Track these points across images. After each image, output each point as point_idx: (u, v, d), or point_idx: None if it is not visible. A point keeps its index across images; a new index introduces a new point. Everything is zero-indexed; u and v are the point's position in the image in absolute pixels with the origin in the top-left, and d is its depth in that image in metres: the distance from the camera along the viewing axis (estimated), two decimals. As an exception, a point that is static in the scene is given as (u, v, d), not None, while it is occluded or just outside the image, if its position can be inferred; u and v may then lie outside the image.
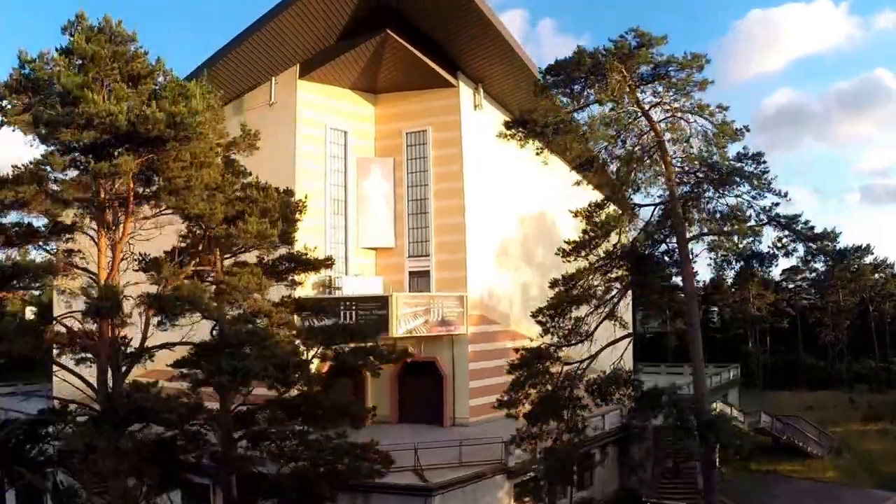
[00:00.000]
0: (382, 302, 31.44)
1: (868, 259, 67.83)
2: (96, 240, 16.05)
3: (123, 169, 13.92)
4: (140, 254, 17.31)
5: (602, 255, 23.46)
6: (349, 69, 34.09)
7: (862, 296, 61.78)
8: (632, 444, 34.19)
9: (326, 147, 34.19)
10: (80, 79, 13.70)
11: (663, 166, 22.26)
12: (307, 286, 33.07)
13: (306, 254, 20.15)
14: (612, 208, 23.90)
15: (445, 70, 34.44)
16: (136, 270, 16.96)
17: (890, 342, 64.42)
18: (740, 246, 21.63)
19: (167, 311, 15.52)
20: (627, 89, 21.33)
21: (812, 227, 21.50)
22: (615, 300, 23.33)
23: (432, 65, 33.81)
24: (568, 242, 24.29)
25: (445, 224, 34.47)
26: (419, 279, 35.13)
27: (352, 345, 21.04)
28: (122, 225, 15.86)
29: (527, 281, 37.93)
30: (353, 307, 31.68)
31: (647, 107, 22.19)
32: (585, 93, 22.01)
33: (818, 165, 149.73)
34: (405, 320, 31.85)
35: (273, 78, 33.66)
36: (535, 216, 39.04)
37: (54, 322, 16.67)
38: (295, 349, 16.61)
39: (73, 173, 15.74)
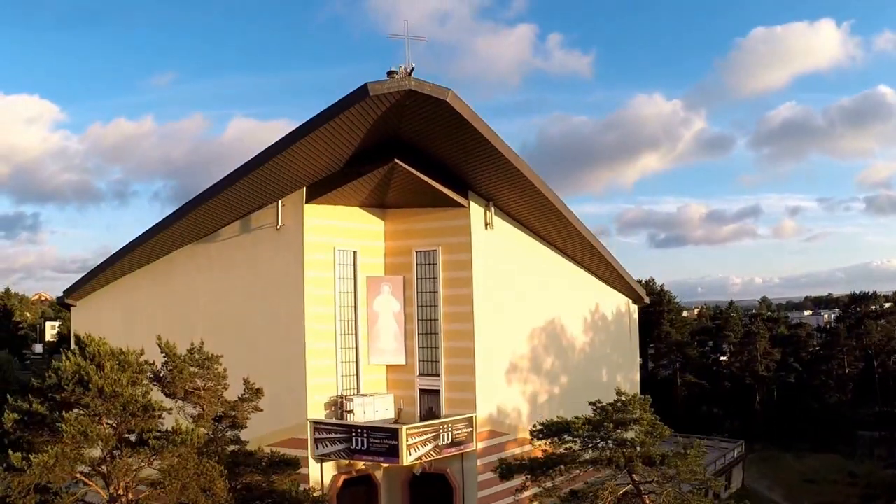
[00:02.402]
0: (392, 433, 30.80)
1: (873, 306, 66.76)
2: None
3: None
4: None
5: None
6: (357, 191, 32.93)
7: (867, 351, 60.63)
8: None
9: (335, 269, 33.18)
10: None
11: None
12: (319, 408, 32.70)
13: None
14: None
15: (455, 190, 33.22)
16: None
17: (893, 391, 63.27)
18: None
19: None
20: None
21: None
22: None
23: (441, 188, 32.59)
24: None
25: (455, 347, 33.58)
26: (430, 396, 34.41)
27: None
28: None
29: (535, 389, 37.21)
30: (365, 435, 31.20)
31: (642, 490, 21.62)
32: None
33: (823, 176, 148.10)
34: (415, 449, 31.29)
35: (279, 200, 32.47)
36: (544, 325, 38.03)
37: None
38: None
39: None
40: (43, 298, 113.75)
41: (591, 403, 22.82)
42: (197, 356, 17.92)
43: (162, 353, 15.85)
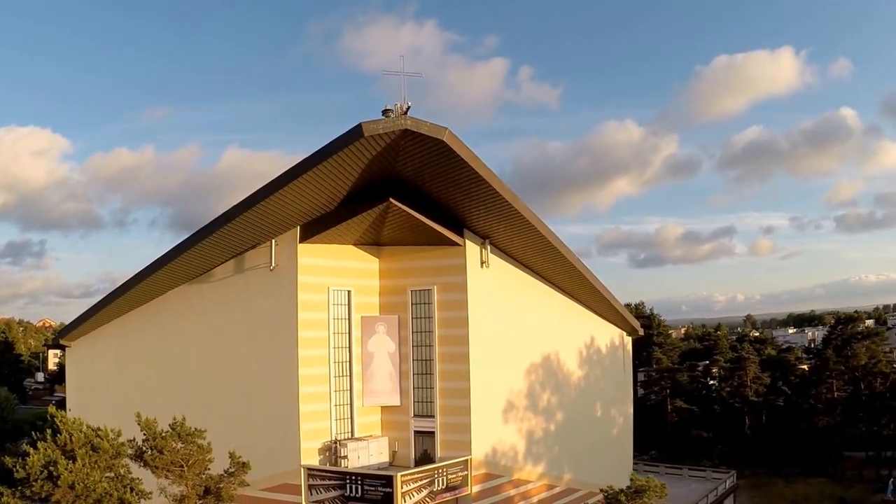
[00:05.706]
0: (387, 480, 28.33)
1: (861, 327, 64.77)
2: None
3: None
4: None
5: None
6: (351, 230, 30.73)
7: (854, 374, 58.54)
8: None
9: (329, 310, 30.89)
10: None
11: None
12: (313, 453, 30.22)
13: None
14: None
15: (451, 229, 31.06)
16: None
17: (880, 411, 61.07)
18: None
19: None
20: None
21: None
22: None
23: (437, 227, 30.43)
24: None
25: (450, 388, 31.23)
26: (425, 438, 31.97)
27: None
28: None
29: (531, 428, 34.79)
30: (359, 482, 28.76)
31: None
32: None
33: (792, 196, 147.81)
34: (410, 495, 28.82)
35: (273, 240, 30.23)
36: (540, 361, 35.71)
37: None
38: None
39: None
40: (47, 325, 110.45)
41: (602, 490, 20.41)
42: (179, 430, 15.58)
43: (141, 430, 13.59)
